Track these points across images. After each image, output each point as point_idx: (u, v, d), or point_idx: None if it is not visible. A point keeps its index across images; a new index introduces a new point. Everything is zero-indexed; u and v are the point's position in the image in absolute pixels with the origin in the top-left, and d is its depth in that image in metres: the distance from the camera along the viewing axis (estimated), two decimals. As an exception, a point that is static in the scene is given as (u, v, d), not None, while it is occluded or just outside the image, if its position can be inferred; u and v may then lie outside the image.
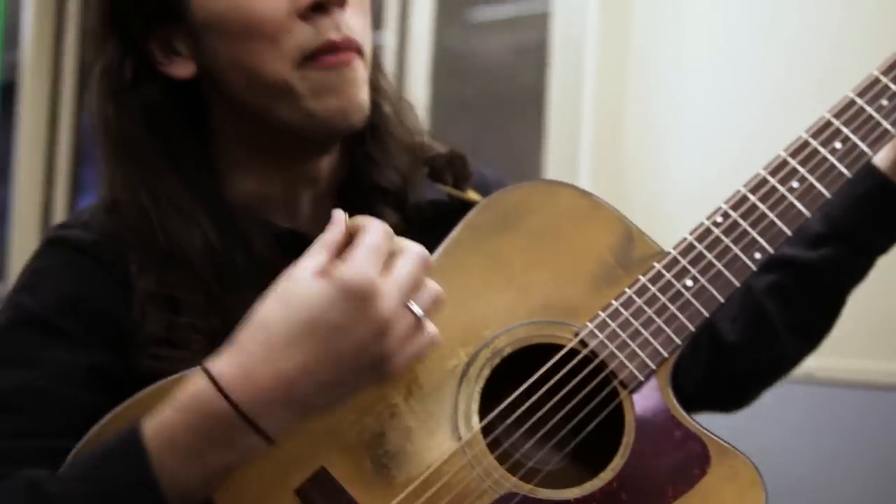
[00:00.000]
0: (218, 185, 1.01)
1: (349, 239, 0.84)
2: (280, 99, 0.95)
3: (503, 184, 1.16)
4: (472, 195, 1.11)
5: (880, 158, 1.08)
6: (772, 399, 1.24)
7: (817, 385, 1.93)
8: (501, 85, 2.92)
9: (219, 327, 0.92)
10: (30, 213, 3.81)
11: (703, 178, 2.18)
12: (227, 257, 0.96)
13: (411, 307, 0.81)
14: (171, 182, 0.98)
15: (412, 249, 0.83)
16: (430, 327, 0.84)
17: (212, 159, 1.02)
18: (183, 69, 0.98)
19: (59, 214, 3.81)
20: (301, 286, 0.80)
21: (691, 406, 1.09)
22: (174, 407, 0.80)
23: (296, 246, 0.98)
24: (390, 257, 0.82)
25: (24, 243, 3.75)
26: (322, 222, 0.97)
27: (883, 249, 1.13)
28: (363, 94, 0.96)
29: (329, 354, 0.79)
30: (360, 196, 1.03)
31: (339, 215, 0.85)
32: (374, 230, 0.82)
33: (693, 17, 2.25)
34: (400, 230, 0.99)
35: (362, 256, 0.80)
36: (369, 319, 0.79)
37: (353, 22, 0.95)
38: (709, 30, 2.23)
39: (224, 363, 0.80)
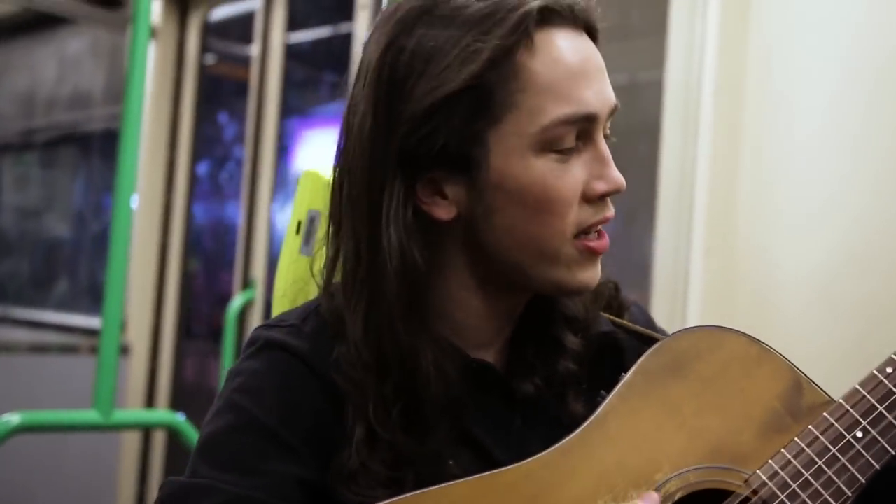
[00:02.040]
0: (427, 316, 1.01)
1: None
2: (544, 262, 0.98)
3: (649, 320, 1.19)
4: (629, 324, 1.12)
5: None
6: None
7: None
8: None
9: (408, 476, 0.95)
10: (146, 260, 3.89)
11: (814, 259, 2.14)
12: (422, 394, 0.97)
13: None
14: (426, 322, 0.99)
15: None
16: None
17: (442, 291, 1.02)
18: (445, 212, 0.99)
19: (175, 262, 3.86)
20: None
21: None
22: None
23: (484, 378, 1.02)
24: None
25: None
26: (504, 352, 1.05)
27: None
28: (599, 271, 1.02)
29: None
30: (545, 323, 1.06)
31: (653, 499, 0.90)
32: None
33: (805, 93, 2.20)
34: (583, 356, 1.04)
35: None
36: None
37: (623, 181, 1.01)
38: (821, 106, 2.18)
39: None
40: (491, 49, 0.93)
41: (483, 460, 0.99)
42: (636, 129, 2.74)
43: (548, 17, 0.96)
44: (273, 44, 3.54)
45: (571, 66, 0.96)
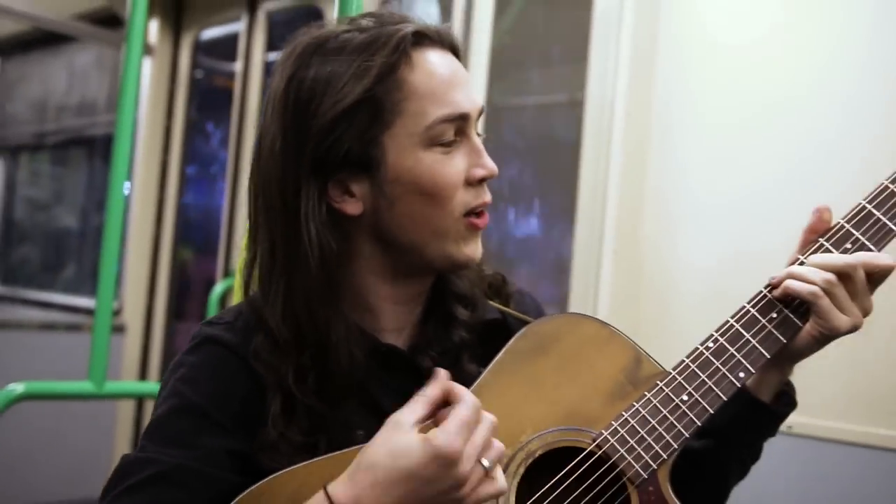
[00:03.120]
0: (348, 293, 1.05)
1: (444, 398, 0.94)
2: (437, 240, 1.03)
3: (539, 309, 1.23)
4: (511, 311, 1.17)
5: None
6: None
7: (794, 438, 1.95)
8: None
9: (321, 443, 1.00)
10: (141, 248, 3.91)
11: (706, 260, 2.20)
12: (334, 367, 1.02)
13: (483, 463, 0.91)
14: (337, 302, 1.03)
15: (487, 418, 0.93)
16: (498, 476, 0.93)
17: (352, 278, 1.06)
18: (353, 208, 1.03)
19: (166, 251, 3.88)
20: (403, 441, 0.90)
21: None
22: None
23: (392, 359, 1.07)
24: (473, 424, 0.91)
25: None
26: (413, 336, 1.09)
27: (751, 452, 1.14)
28: (480, 247, 1.07)
29: (418, 497, 0.90)
30: (441, 300, 1.11)
31: (441, 374, 0.96)
32: (467, 405, 0.92)
33: (704, 116, 2.26)
34: (473, 327, 1.10)
35: (455, 428, 0.90)
36: (452, 476, 0.89)
37: (495, 168, 1.06)
38: (717, 129, 2.24)
39: (340, 490, 0.91)
40: (378, 67, 0.99)
41: None
42: (558, 144, 2.80)
43: (420, 40, 1.02)
44: (254, 61, 3.56)
45: (444, 77, 1.02)
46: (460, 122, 1.03)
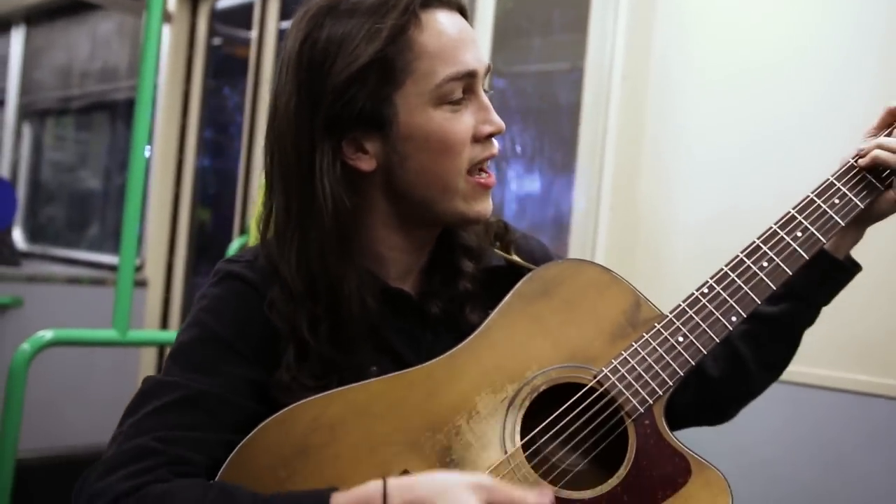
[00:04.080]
0: (359, 246, 1.05)
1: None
2: (447, 196, 1.03)
3: (544, 249, 1.24)
4: (517, 258, 1.17)
5: None
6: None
7: (782, 385, 1.97)
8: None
9: (332, 384, 0.99)
10: (161, 208, 3.89)
11: (696, 216, 2.20)
12: (346, 316, 1.01)
13: None
14: (351, 255, 1.02)
15: None
16: None
17: (367, 229, 1.06)
18: (367, 164, 1.02)
19: (185, 211, 3.88)
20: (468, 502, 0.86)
21: (684, 423, 1.18)
22: (355, 495, 0.88)
23: (401, 302, 1.08)
24: None
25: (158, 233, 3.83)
26: (419, 281, 1.09)
27: (825, 302, 1.17)
28: (491, 203, 1.07)
29: None
30: (448, 253, 1.11)
31: (547, 496, 0.90)
32: None
33: (697, 80, 2.24)
34: (478, 278, 1.10)
35: None
36: None
37: (503, 124, 1.06)
38: (710, 91, 2.22)
39: (396, 496, 0.87)
40: (388, 28, 0.98)
41: (399, 366, 1.02)
42: (560, 108, 2.78)
43: (428, 1, 1.01)
44: (268, 29, 3.53)
45: (452, 36, 1.01)
46: (468, 79, 1.02)
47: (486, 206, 1.06)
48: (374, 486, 0.89)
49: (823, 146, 1.98)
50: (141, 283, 3.66)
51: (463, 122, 1.01)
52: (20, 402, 2.15)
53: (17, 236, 5.16)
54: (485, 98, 1.04)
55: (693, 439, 1.55)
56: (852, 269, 1.16)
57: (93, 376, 3.51)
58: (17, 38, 5.40)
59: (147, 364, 3.77)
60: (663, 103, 2.31)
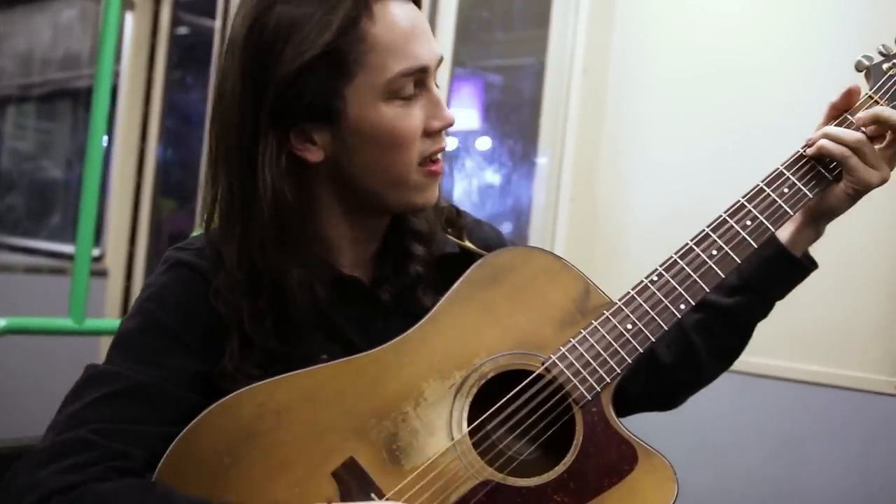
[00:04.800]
0: (311, 240, 1.03)
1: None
2: (395, 188, 1.01)
3: (498, 236, 1.23)
4: (469, 245, 1.16)
5: (780, 231, 1.12)
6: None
7: (730, 374, 1.99)
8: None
9: (278, 373, 0.97)
10: (122, 197, 3.85)
11: (655, 212, 2.21)
12: (291, 310, 0.99)
13: None
14: (297, 247, 1.00)
15: None
16: None
17: (314, 219, 1.04)
18: (314, 156, 1.00)
19: (146, 200, 3.82)
20: None
21: (634, 409, 1.19)
22: None
23: (353, 289, 1.06)
24: None
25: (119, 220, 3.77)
26: (372, 270, 1.07)
27: (780, 297, 1.17)
28: (437, 191, 1.06)
29: None
30: (400, 238, 1.09)
31: None
32: None
33: (656, 76, 2.25)
34: (428, 262, 1.09)
35: None
36: None
37: (453, 117, 1.03)
38: (669, 88, 2.24)
39: None
40: (339, 19, 0.94)
41: (351, 353, 1.00)
42: (521, 102, 2.78)
43: None
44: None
45: (405, 29, 0.97)
46: (420, 74, 0.99)
47: (433, 194, 1.05)
48: None
49: (780, 146, 1.97)
50: (101, 273, 3.61)
51: (413, 117, 0.99)
52: (-29, 391, 2.11)
53: (-26, 225, 5.08)
54: (436, 92, 1.01)
55: (645, 428, 1.56)
56: (808, 266, 1.15)
57: (53, 366, 3.44)
58: (-23, 25, 5.30)
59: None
60: (622, 101, 2.31)
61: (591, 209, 2.33)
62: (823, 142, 1.08)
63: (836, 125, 1.11)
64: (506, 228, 2.78)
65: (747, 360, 1.91)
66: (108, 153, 3.83)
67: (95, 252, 3.88)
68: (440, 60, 1.03)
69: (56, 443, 0.90)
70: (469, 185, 2.89)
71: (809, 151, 1.10)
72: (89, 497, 0.86)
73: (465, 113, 2.81)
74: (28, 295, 3.34)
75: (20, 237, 4.89)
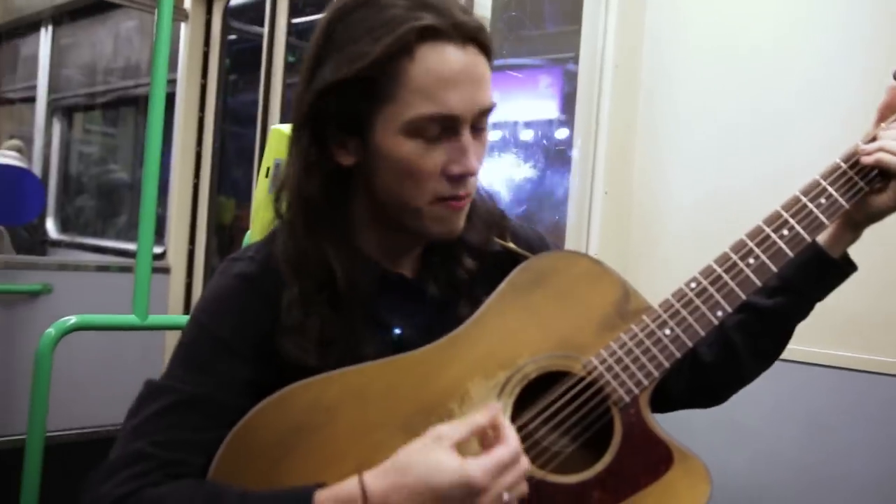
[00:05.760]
0: (351, 235, 1.03)
1: (491, 428, 0.88)
2: (410, 215, 0.99)
3: (541, 238, 1.21)
4: (513, 246, 1.13)
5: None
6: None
7: (778, 362, 1.95)
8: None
9: (329, 337, 0.98)
10: (182, 197, 3.88)
11: (687, 201, 2.16)
12: (345, 288, 0.99)
13: (504, 497, 0.86)
14: (331, 234, 1.01)
15: (522, 462, 0.87)
16: None
17: (350, 216, 1.04)
18: (346, 160, 1.00)
19: (204, 200, 3.87)
20: (442, 459, 0.85)
21: (678, 405, 1.18)
22: (335, 493, 0.87)
23: (400, 286, 1.06)
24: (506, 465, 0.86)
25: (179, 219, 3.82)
26: (419, 266, 1.05)
27: (820, 298, 1.14)
28: (462, 223, 1.02)
29: None
30: (448, 260, 1.07)
31: (495, 408, 0.89)
32: (509, 448, 0.86)
33: (687, 70, 2.18)
34: (474, 272, 1.07)
35: (491, 465, 0.84)
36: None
37: (480, 161, 0.99)
38: (700, 81, 2.18)
39: (372, 481, 0.86)
40: (378, 53, 0.92)
41: (398, 348, 1.00)
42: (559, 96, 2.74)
43: (430, 34, 0.93)
44: (279, 25, 3.51)
45: (443, 75, 0.93)
46: (448, 121, 0.95)
47: (453, 226, 1.01)
48: (351, 482, 0.87)
49: (812, 130, 1.94)
50: (164, 270, 3.65)
51: (431, 159, 0.96)
52: (46, 384, 2.15)
53: (50, 226, 5.18)
54: (466, 140, 0.96)
55: (684, 413, 1.53)
56: (847, 268, 1.13)
57: (121, 359, 3.51)
58: (45, 38, 5.38)
59: (171, 348, 3.75)
60: (654, 93, 2.26)
61: (626, 198, 2.28)
62: (881, 156, 1.04)
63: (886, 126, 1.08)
64: (550, 219, 2.75)
65: (794, 348, 1.88)
66: (167, 155, 3.88)
67: (158, 250, 3.94)
68: (486, 109, 0.98)
69: (118, 457, 0.93)
70: (543, 173, 2.84)
71: (867, 160, 1.05)
72: (146, 499, 0.89)
73: (543, 104, 2.75)
74: (98, 292, 3.38)
75: (90, 237, 4.99)
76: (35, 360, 2.14)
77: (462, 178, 0.98)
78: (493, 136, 2.85)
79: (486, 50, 0.98)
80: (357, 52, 0.93)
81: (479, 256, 1.09)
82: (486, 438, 0.88)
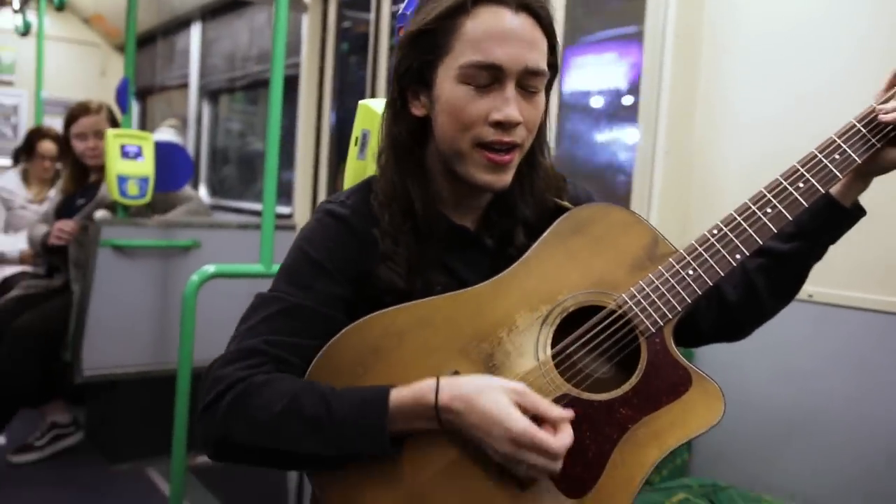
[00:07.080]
0: (429, 180, 1.08)
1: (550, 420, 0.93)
2: (457, 159, 1.03)
3: (588, 195, 1.21)
4: (565, 203, 1.15)
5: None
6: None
7: (814, 305, 1.90)
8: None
9: (415, 262, 1.04)
10: (305, 165, 4.01)
11: (744, 159, 2.10)
12: (423, 219, 1.05)
13: (522, 469, 0.92)
14: (413, 172, 1.06)
15: (556, 463, 0.92)
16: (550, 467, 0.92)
17: (427, 165, 1.08)
18: (418, 111, 1.05)
19: (324, 167, 3.97)
20: (510, 413, 0.90)
21: (706, 339, 1.18)
22: (413, 391, 0.93)
23: (464, 236, 1.09)
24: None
25: (303, 189, 3.95)
26: (481, 219, 1.09)
27: (831, 242, 1.12)
28: (507, 178, 1.03)
29: (482, 438, 0.92)
30: (506, 217, 1.10)
31: (569, 415, 0.93)
32: (562, 442, 0.91)
33: (746, 38, 2.11)
34: (530, 227, 1.09)
35: (540, 442, 0.90)
36: (511, 450, 0.91)
37: (526, 117, 1.00)
38: (758, 48, 2.10)
39: (446, 390, 0.93)
40: (441, 10, 0.99)
41: (460, 286, 1.04)
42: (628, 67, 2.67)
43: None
44: (383, 11, 3.56)
45: (492, 31, 0.97)
46: (493, 70, 0.98)
47: (495, 179, 1.02)
48: (428, 382, 0.94)
49: (859, 96, 1.84)
50: (290, 228, 3.80)
51: (477, 105, 0.98)
52: (192, 321, 2.31)
53: (202, 191, 5.47)
54: (510, 92, 0.98)
55: (732, 354, 1.52)
56: (857, 214, 1.11)
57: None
58: (195, 32, 5.64)
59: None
60: (714, 60, 2.20)
61: (686, 159, 2.24)
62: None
63: None
64: (610, 182, 2.72)
65: (826, 291, 1.84)
66: (293, 129, 4.02)
67: (287, 210, 4.11)
68: (530, 70, 0.99)
69: (237, 350, 1.00)
70: (613, 136, 2.81)
71: (887, 118, 1.04)
72: (258, 382, 0.96)
73: (613, 72, 2.73)
74: (238, 246, 3.53)
75: (233, 200, 5.24)
76: (182, 301, 2.31)
77: (502, 125, 0.99)
78: (584, 102, 2.83)
79: (539, 19, 1.00)
80: (427, 10, 1.00)
81: (537, 212, 1.11)
82: (544, 420, 0.92)
